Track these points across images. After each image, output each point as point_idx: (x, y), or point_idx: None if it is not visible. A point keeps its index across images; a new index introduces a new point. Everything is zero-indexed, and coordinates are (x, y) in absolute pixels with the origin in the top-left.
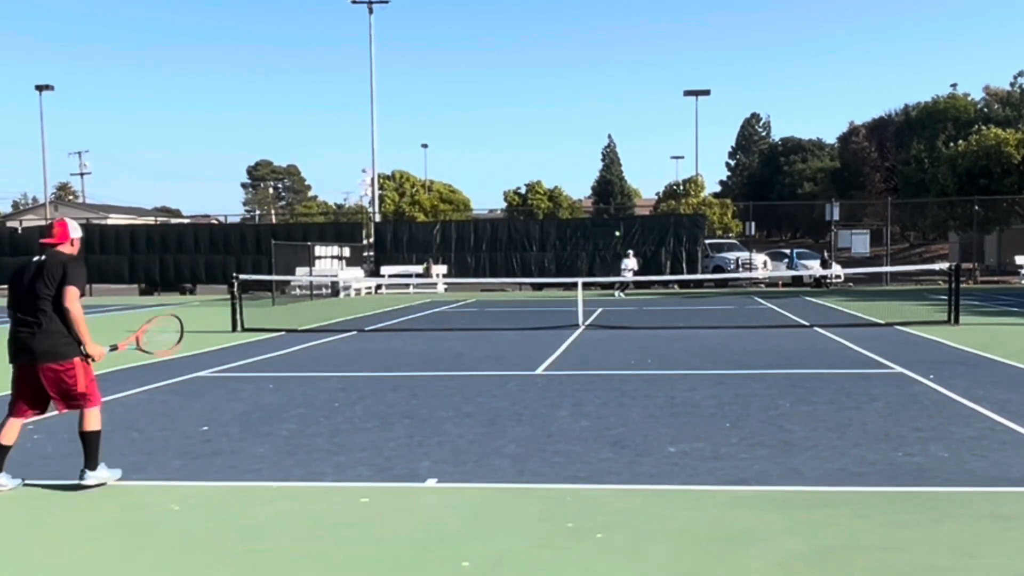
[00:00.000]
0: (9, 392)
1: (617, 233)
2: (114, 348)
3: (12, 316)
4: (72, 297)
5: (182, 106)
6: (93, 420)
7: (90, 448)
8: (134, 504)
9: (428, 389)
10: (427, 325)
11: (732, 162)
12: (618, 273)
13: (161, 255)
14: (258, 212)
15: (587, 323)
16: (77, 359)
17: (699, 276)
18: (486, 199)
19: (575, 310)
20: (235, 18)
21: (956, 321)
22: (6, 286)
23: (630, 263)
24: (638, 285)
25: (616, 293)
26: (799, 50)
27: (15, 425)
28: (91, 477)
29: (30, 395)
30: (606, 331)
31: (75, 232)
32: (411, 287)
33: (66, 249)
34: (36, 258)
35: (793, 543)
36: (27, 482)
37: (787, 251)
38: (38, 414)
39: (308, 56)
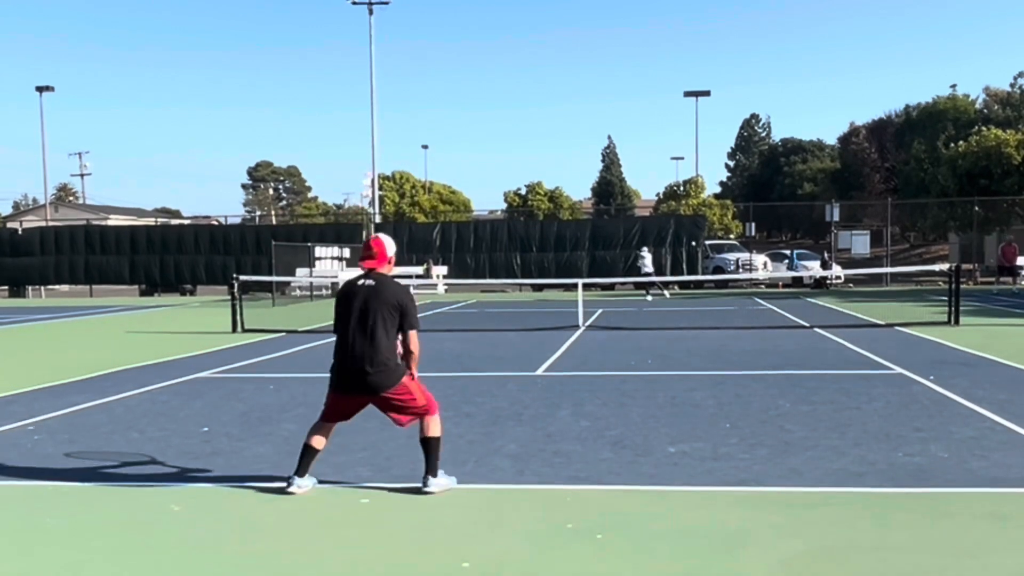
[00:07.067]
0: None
1: None
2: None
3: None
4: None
5: (182, 106)
6: (434, 426)
7: (435, 453)
8: (134, 504)
9: (428, 389)
10: (427, 326)
11: (732, 163)
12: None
13: (161, 256)
14: (258, 213)
15: (587, 324)
16: (406, 379)
17: (699, 277)
18: (486, 200)
19: (575, 311)
20: (235, 18)
21: (956, 322)
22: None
23: (647, 259)
24: (637, 286)
25: (655, 294)
26: (799, 50)
27: (325, 431)
28: (433, 484)
29: (350, 413)
30: (606, 332)
31: (391, 249)
32: (411, 288)
33: (387, 270)
34: (363, 281)
35: (793, 543)
36: (27, 482)
37: (787, 252)
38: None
39: (308, 56)
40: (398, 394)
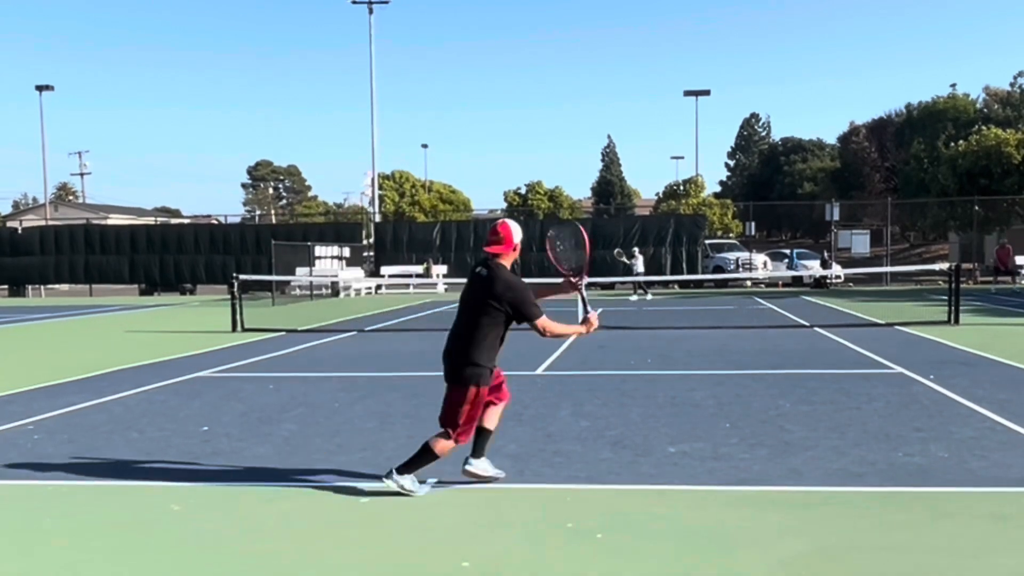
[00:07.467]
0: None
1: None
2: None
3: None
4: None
5: (182, 106)
6: (444, 447)
7: (420, 460)
8: (134, 504)
9: (428, 389)
10: (427, 325)
11: (732, 162)
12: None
13: (161, 255)
14: (258, 212)
15: None
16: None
17: (699, 276)
18: (486, 199)
19: (575, 310)
20: (235, 18)
21: (956, 321)
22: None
23: (638, 260)
24: (637, 286)
25: (640, 295)
26: (799, 50)
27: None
28: (395, 480)
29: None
30: (606, 331)
31: (518, 235)
32: (411, 287)
33: (511, 257)
34: (479, 269)
35: (793, 543)
36: (27, 482)
37: (787, 251)
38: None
39: (308, 56)
40: (453, 393)
